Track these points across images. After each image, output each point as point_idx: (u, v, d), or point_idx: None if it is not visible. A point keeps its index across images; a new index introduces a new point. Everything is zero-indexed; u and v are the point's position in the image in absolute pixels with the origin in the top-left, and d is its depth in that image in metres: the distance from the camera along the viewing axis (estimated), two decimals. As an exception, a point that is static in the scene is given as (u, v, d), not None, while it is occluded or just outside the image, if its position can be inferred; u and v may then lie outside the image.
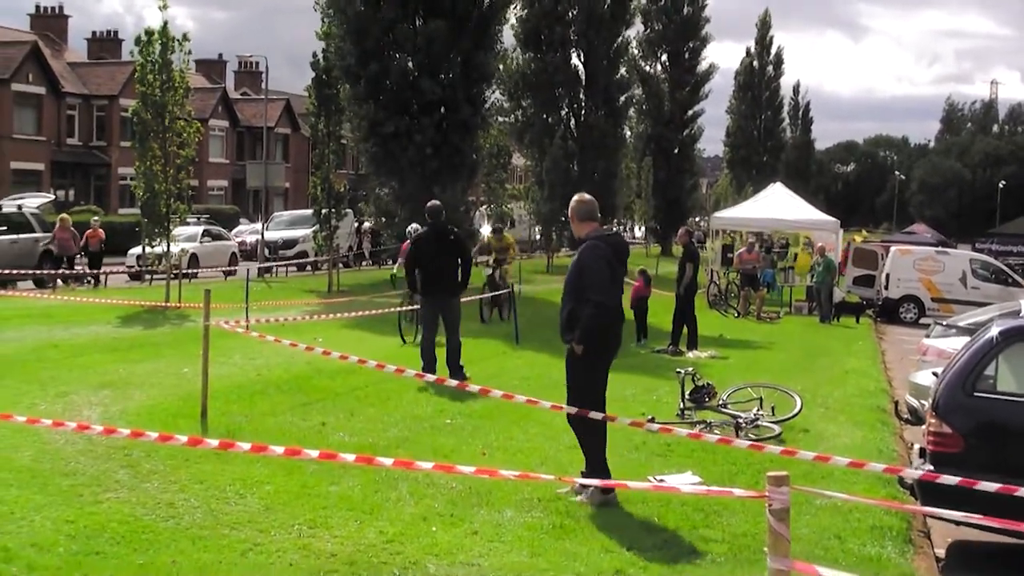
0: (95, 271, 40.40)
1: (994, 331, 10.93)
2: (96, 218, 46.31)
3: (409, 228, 23.69)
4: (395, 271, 28.33)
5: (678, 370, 17.35)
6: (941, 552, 11.38)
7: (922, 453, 11.02)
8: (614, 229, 12.27)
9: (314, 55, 42.79)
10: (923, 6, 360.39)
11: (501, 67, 53.16)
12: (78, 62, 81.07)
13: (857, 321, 38.20)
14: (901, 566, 9.80)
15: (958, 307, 36.79)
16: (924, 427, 11.44)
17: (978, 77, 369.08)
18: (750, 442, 13.86)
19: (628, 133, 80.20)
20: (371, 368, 14.84)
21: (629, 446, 14.11)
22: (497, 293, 30.52)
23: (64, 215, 42.20)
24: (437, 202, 20.59)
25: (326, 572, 8.77)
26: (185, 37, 33.54)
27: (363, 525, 10.06)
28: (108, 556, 9.01)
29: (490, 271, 31.50)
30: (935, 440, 10.50)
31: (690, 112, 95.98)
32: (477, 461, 12.29)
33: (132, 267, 42.71)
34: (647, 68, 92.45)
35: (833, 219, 46.49)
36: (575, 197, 12.03)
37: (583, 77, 61.42)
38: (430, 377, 15.72)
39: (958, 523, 10.46)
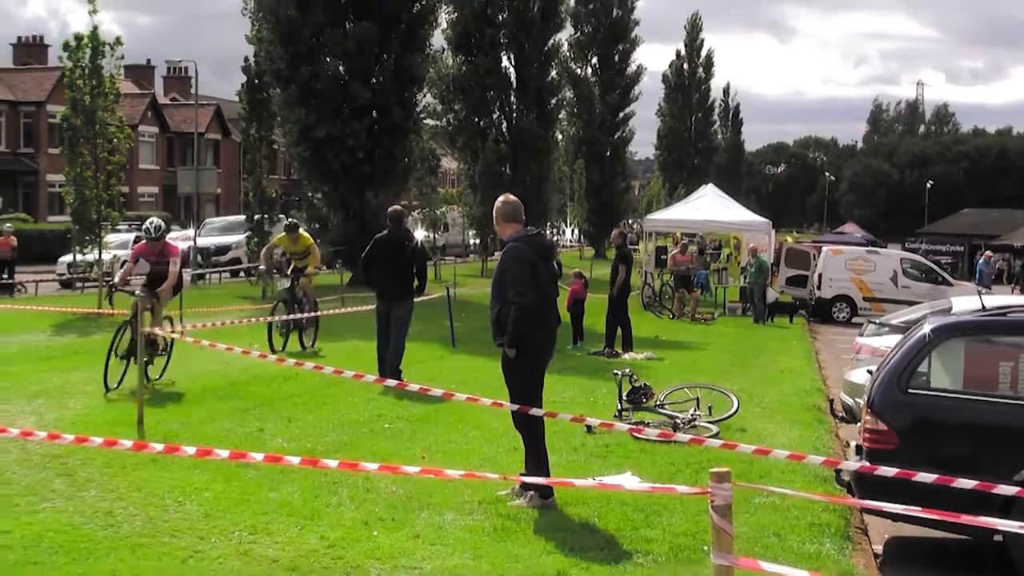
0: (10, 280, 39.99)
1: (926, 328, 11.06)
2: (8, 225, 45.75)
3: (148, 223, 19.44)
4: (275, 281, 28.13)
5: (615, 371, 17.40)
6: (879, 548, 11.50)
7: (858, 450, 11.13)
8: (538, 230, 12.19)
9: (245, 59, 42.65)
10: (847, 8, 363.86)
11: (432, 70, 53.12)
12: (2, 68, 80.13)
13: (791, 321, 38.50)
14: (840, 562, 9.88)
15: (889, 306, 37.13)
16: (860, 424, 11.55)
17: (904, 78, 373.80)
18: (691, 436, 13.96)
19: (560, 136, 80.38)
20: (308, 372, 14.79)
21: (568, 448, 14.16)
22: (296, 316, 23.72)
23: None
24: (399, 207, 20.61)
25: (267, 578, 8.75)
26: (118, 41, 33.30)
27: (304, 530, 10.03)
28: (47, 566, 8.92)
29: (286, 284, 24.33)
30: (871, 437, 10.60)
31: (621, 115, 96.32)
32: (417, 464, 12.28)
33: (63, 275, 42.27)
34: (578, 71, 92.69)
35: (765, 220, 46.90)
36: (499, 199, 12.02)
37: (514, 80, 61.46)
38: (369, 377, 15.68)
39: (895, 518, 10.60)
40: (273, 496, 11.16)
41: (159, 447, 8.45)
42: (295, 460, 8.22)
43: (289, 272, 24.72)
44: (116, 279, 19.40)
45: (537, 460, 11.30)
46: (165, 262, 18.23)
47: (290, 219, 27.64)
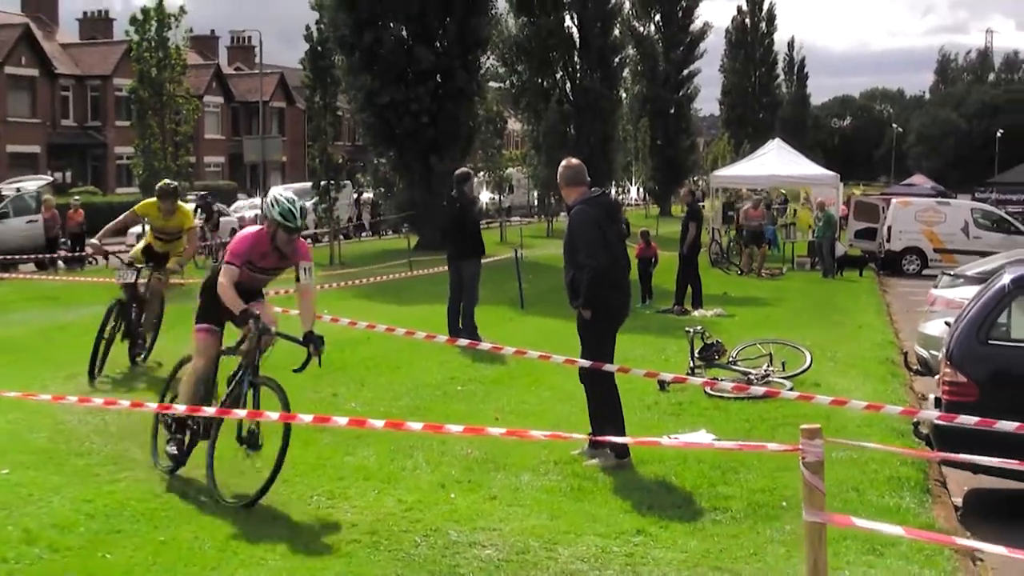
0: (80, 252, 40.27)
1: (1006, 279, 10.93)
2: (77, 198, 46.08)
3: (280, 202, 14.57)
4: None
5: (687, 329, 17.35)
6: (959, 501, 11.40)
7: (937, 403, 11.02)
8: (602, 191, 12.16)
9: (307, 27, 42.60)
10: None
11: (495, 33, 52.96)
12: (70, 43, 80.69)
13: (860, 275, 38.20)
14: (921, 516, 9.80)
15: (961, 257, 36.73)
16: (938, 377, 11.44)
17: (973, 27, 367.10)
18: (765, 388, 13.91)
19: (624, 95, 79.97)
20: (381, 335, 14.79)
21: (641, 406, 14.15)
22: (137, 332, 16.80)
23: (47, 196, 41.92)
24: (464, 169, 20.69)
25: (348, 542, 8.78)
26: (182, 11, 33.48)
27: (381, 494, 10.07)
28: (129, 534, 9.01)
29: (128, 276, 16.50)
30: (950, 389, 10.51)
31: (685, 72, 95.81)
32: (491, 426, 12.28)
33: (132, 246, 42.63)
34: (640, 29, 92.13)
35: (832, 173, 46.38)
36: (562, 163, 11.95)
37: (577, 40, 61.16)
38: (441, 339, 15.64)
39: (975, 470, 10.53)
40: (348, 460, 11.21)
41: (242, 412, 8.44)
42: (379, 424, 8.25)
43: (139, 259, 16.92)
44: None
45: (613, 420, 11.24)
46: (279, 269, 11.08)
47: (166, 182, 17.30)
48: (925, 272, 39.58)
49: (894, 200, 46.35)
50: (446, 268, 20.13)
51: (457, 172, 20.33)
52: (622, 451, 11.09)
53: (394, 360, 17.71)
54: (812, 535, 6.20)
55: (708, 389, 14.84)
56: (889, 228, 42.18)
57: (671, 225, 57.28)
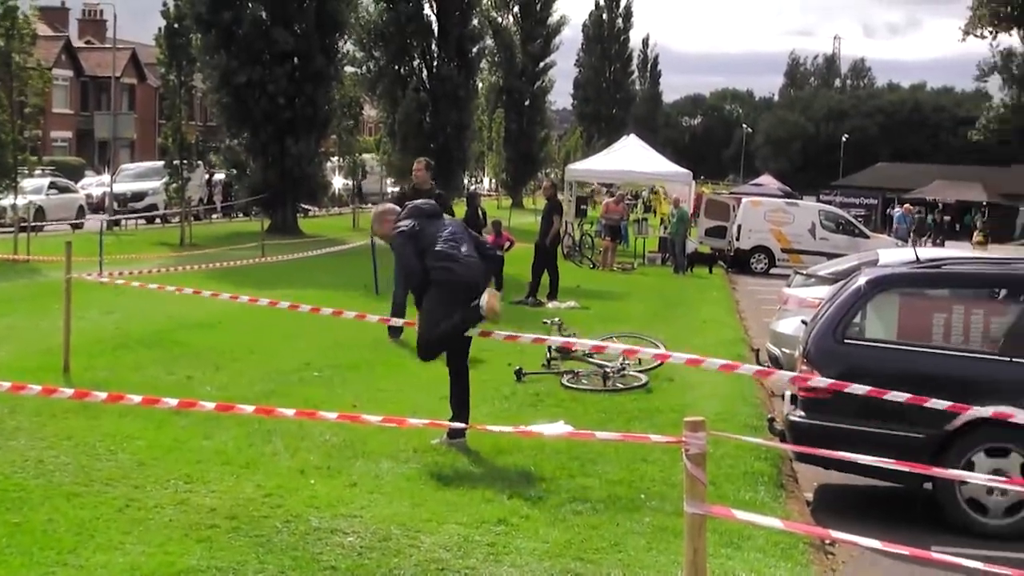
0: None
1: (862, 280, 11.19)
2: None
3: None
4: None
5: (544, 320, 17.47)
6: (810, 496, 11.64)
7: (793, 400, 11.23)
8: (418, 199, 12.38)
9: (164, 3, 41.88)
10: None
11: (354, 17, 52.65)
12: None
13: (710, 271, 38.82)
14: (775, 509, 9.98)
15: (807, 258, 37.52)
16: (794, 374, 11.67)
17: (821, 32, 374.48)
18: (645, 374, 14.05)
19: (480, 85, 79.96)
20: (232, 319, 14.59)
21: (498, 396, 14.25)
22: None
23: None
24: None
25: (207, 527, 8.65)
26: (31, -22, 32.65)
27: (240, 479, 9.95)
28: (-21, 515, 8.79)
29: None
30: (807, 387, 10.71)
31: (541, 64, 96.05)
32: (351, 412, 12.23)
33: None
34: (499, 20, 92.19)
35: (686, 171, 47.09)
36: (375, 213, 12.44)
37: (435, 28, 60.96)
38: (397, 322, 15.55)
39: (828, 466, 10.79)
40: (207, 444, 11.06)
41: (103, 395, 8.27)
42: (249, 408, 8.16)
43: None
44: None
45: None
46: None
47: None
48: (772, 271, 40.37)
49: (745, 200, 47.17)
50: (301, 254, 19.94)
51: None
52: (456, 432, 11.14)
53: (248, 345, 17.55)
54: (693, 526, 6.30)
55: (564, 381, 15.01)
56: (739, 227, 42.91)
57: (523, 216, 57.61)
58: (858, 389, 8.46)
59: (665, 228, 41.22)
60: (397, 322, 15.52)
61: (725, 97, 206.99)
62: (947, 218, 75.65)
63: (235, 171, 49.59)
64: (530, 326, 19.60)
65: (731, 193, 67.06)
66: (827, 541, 9.60)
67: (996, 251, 45.19)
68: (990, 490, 10.29)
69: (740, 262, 42.58)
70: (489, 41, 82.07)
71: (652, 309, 25.96)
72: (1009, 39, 79.35)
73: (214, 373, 15.18)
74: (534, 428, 8.99)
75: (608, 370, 15.72)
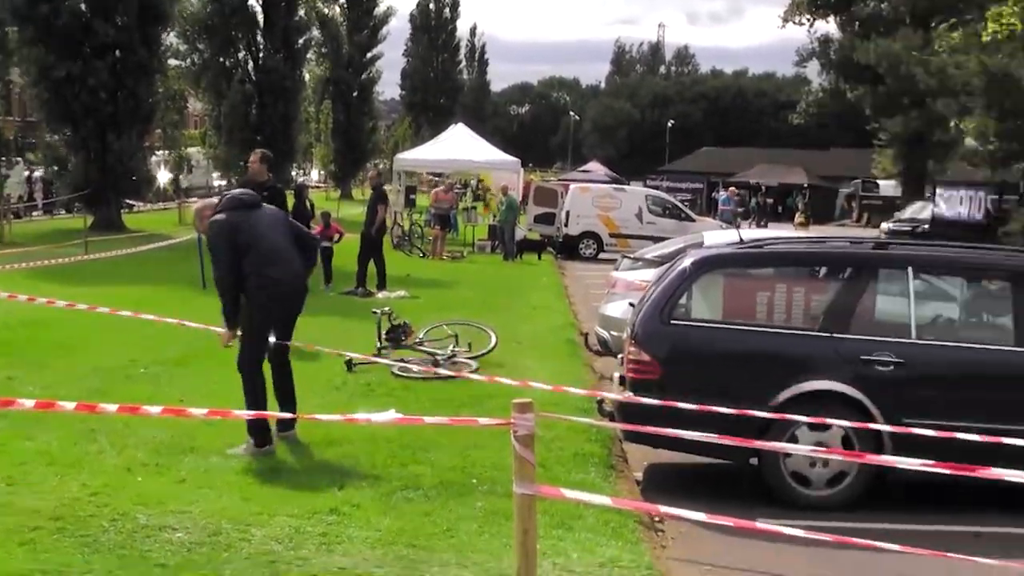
0: None
1: (687, 262, 11.37)
2: None
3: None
4: None
5: (374, 310, 17.38)
6: (640, 475, 11.76)
7: (622, 381, 11.35)
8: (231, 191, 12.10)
9: (-23, -3, 40.81)
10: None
11: (177, 9, 51.78)
12: None
13: (539, 258, 39.04)
14: (606, 490, 10.08)
15: (635, 242, 37.95)
16: (621, 356, 11.78)
17: (646, 20, 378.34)
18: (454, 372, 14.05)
19: (307, 76, 79.32)
20: (57, 318, 14.25)
21: (329, 387, 14.18)
22: None
23: None
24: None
25: (31, 529, 8.44)
26: None
27: (65, 479, 9.73)
28: None
29: None
30: (634, 367, 10.84)
31: (369, 55, 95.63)
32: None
33: None
34: (325, 10, 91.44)
35: (514, 159, 47.35)
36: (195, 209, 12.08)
37: (261, 19, 60.27)
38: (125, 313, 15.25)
39: (656, 445, 10.93)
40: (29, 445, 10.79)
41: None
42: (69, 406, 7.98)
43: None
44: None
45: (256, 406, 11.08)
46: None
47: None
48: (601, 256, 40.77)
49: (573, 186, 47.53)
50: (126, 250, 19.59)
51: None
52: (263, 440, 10.97)
53: (72, 342, 17.17)
54: (522, 507, 6.32)
55: (395, 370, 14.99)
56: (567, 213, 43.21)
57: (353, 207, 57.32)
58: (687, 405, 8.52)
59: (494, 216, 41.36)
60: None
61: (552, 85, 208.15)
62: (770, 200, 77.17)
63: (56, 167, 48.47)
64: (359, 316, 19.59)
65: (559, 180, 67.47)
66: (656, 518, 9.74)
67: (817, 231, 46.25)
68: (813, 462, 10.54)
69: (569, 248, 42.89)
70: (316, 32, 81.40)
71: (483, 297, 26.02)
72: (826, 26, 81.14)
73: (38, 372, 14.82)
74: (362, 416, 8.95)
75: (439, 357, 15.74)
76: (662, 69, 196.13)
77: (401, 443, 11.19)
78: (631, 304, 13.53)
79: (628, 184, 62.80)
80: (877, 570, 8.98)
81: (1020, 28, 36.09)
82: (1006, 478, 7.01)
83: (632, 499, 9.68)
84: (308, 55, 71.87)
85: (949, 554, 7.12)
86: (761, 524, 7.48)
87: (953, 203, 48.71)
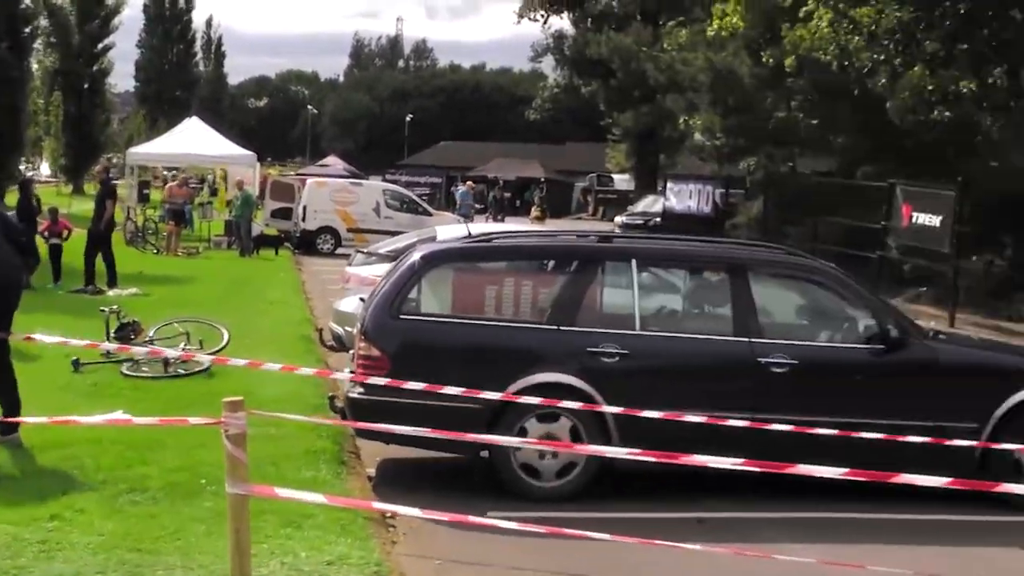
0: None
1: (416, 256, 11.41)
2: None
3: None
4: None
5: (102, 308, 16.98)
6: (372, 471, 11.76)
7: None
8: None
9: None
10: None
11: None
12: None
13: (276, 253, 38.67)
14: (336, 486, 10.07)
15: (372, 236, 37.79)
16: (353, 351, 11.77)
17: (385, 13, 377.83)
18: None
19: (35, 67, 76.91)
20: None
21: (53, 387, 13.78)
22: None
23: None
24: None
25: None
26: None
27: None
28: None
29: None
30: (364, 363, 10.85)
31: (100, 45, 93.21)
32: None
33: None
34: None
35: (250, 153, 46.87)
36: None
37: (-15, 8, 58.24)
38: None
39: (387, 440, 10.95)
40: None
41: None
42: None
43: None
44: None
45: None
46: None
47: None
48: (339, 251, 40.59)
49: (310, 181, 47.27)
50: None
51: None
52: (9, 427, 10.71)
53: None
54: (235, 507, 6.26)
55: (124, 369, 14.69)
56: (304, 208, 42.90)
57: (86, 203, 55.79)
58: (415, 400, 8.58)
59: (231, 211, 40.84)
60: None
61: (291, 78, 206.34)
62: (508, 195, 78.05)
63: None
64: (88, 315, 19.08)
65: (297, 174, 66.96)
66: (388, 515, 9.74)
67: (553, 225, 47.07)
68: (542, 454, 10.70)
69: (306, 243, 42.56)
70: (44, 21, 79.00)
71: (218, 293, 25.65)
72: (560, 21, 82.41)
73: None
74: (78, 418, 8.75)
75: (168, 356, 15.45)
76: (401, 63, 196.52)
77: (128, 444, 10.95)
78: (361, 299, 13.54)
79: (367, 178, 62.71)
80: (600, 558, 9.16)
81: (743, 27, 37.41)
82: (710, 464, 7.29)
83: (349, 497, 9.65)
84: (36, 44, 69.75)
85: (655, 541, 7.40)
86: (474, 519, 7.61)
87: (683, 197, 50.14)
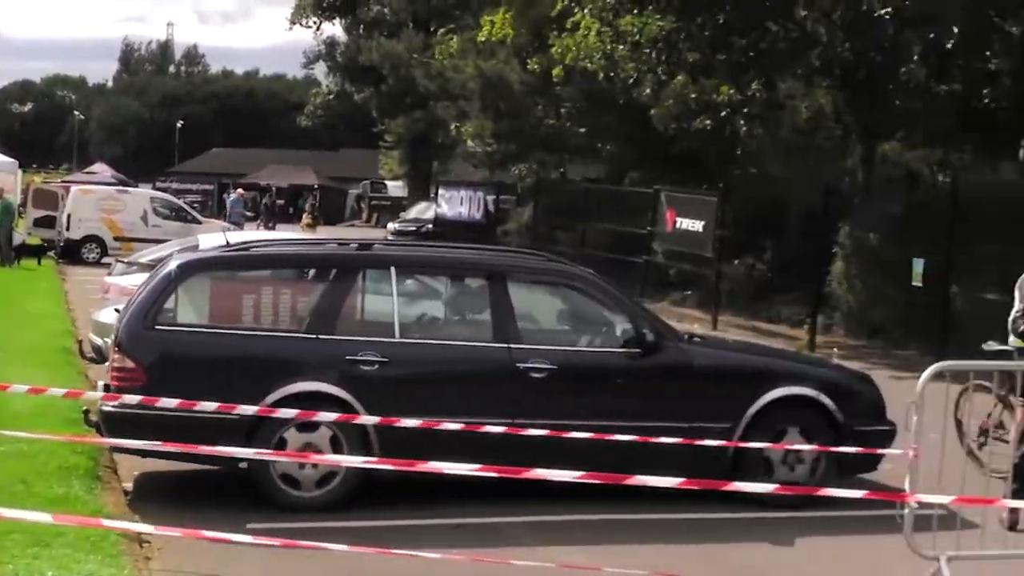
0: None
1: (172, 265, 11.24)
2: None
3: None
4: None
5: None
6: (129, 485, 11.50)
7: (107, 389, 11.06)
8: None
9: None
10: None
11: None
12: None
13: (39, 263, 37.67)
14: (89, 503, 9.83)
15: (140, 245, 37.02)
16: (109, 363, 11.51)
17: (155, 18, 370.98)
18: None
19: None
20: None
21: None
22: None
23: None
24: None
25: None
26: None
27: None
28: None
29: None
30: (119, 375, 10.62)
31: None
32: None
33: None
34: None
35: (11, 160, 45.60)
36: None
37: None
38: None
39: (143, 454, 10.69)
40: None
41: None
42: None
43: None
44: None
45: None
46: None
47: None
48: (105, 260, 39.62)
49: (74, 188, 46.19)
50: None
51: None
52: None
53: None
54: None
55: None
56: (69, 216, 41.89)
57: None
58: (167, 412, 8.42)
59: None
60: None
61: (57, 83, 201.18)
62: (280, 202, 77.34)
63: None
64: None
65: (63, 182, 65.28)
66: (143, 534, 9.50)
67: (325, 232, 46.83)
68: (301, 464, 10.59)
69: (71, 252, 41.54)
70: None
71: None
72: (332, 28, 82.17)
73: None
74: None
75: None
76: (172, 68, 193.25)
77: None
78: (117, 310, 13.27)
79: (136, 186, 61.49)
80: (342, 568, 9.06)
81: (512, 35, 37.84)
82: (445, 471, 7.36)
83: (97, 516, 9.39)
84: None
85: (392, 550, 7.43)
86: (208, 533, 7.53)
87: (454, 203, 50.37)
